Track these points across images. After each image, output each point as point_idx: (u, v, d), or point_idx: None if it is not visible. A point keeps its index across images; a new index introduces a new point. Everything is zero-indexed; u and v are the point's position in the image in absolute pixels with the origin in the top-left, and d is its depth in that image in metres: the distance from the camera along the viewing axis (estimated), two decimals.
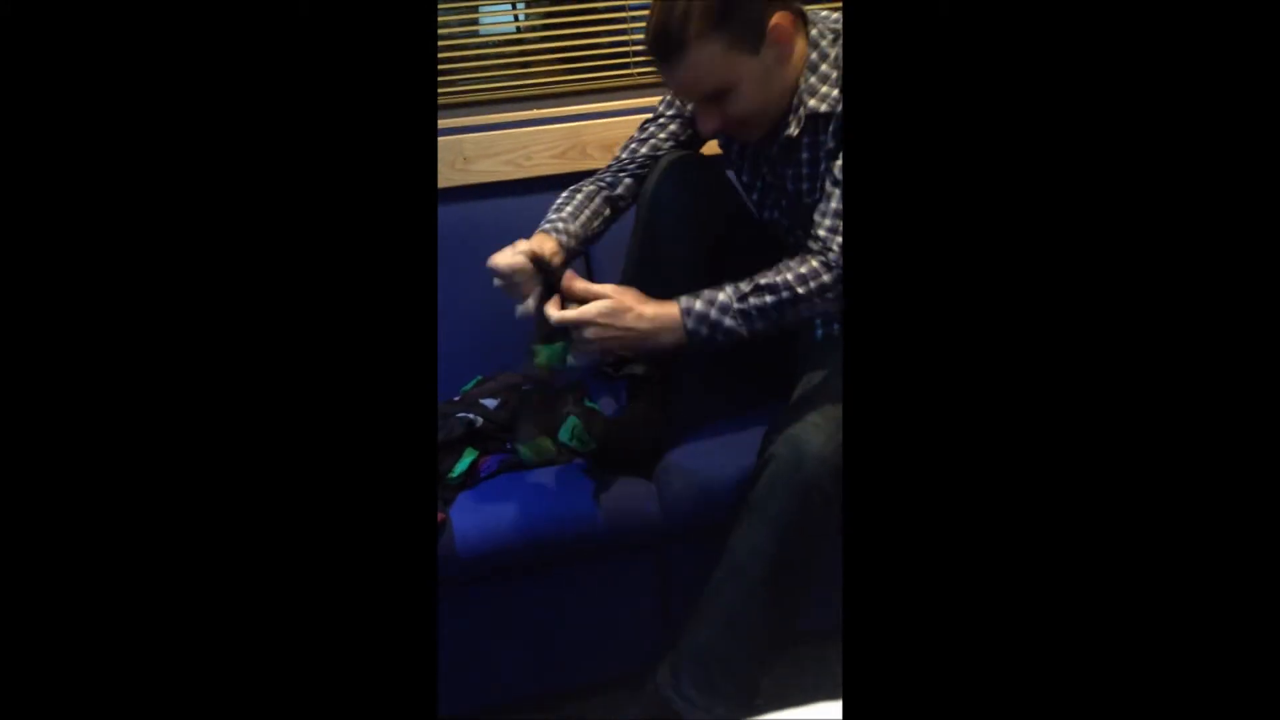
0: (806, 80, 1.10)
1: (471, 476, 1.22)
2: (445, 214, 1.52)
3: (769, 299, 1.03)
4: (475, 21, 1.66)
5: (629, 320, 1.03)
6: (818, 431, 1.01)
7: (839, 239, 1.04)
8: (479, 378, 1.48)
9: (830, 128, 1.10)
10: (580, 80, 1.65)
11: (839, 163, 1.07)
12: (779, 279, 1.03)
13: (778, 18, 1.04)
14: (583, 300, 1.03)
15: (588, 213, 1.23)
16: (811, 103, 1.10)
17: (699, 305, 1.03)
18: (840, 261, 1.03)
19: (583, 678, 1.29)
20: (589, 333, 1.02)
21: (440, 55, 1.61)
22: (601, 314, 1.02)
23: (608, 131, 1.59)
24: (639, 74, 1.65)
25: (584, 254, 1.55)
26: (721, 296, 1.04)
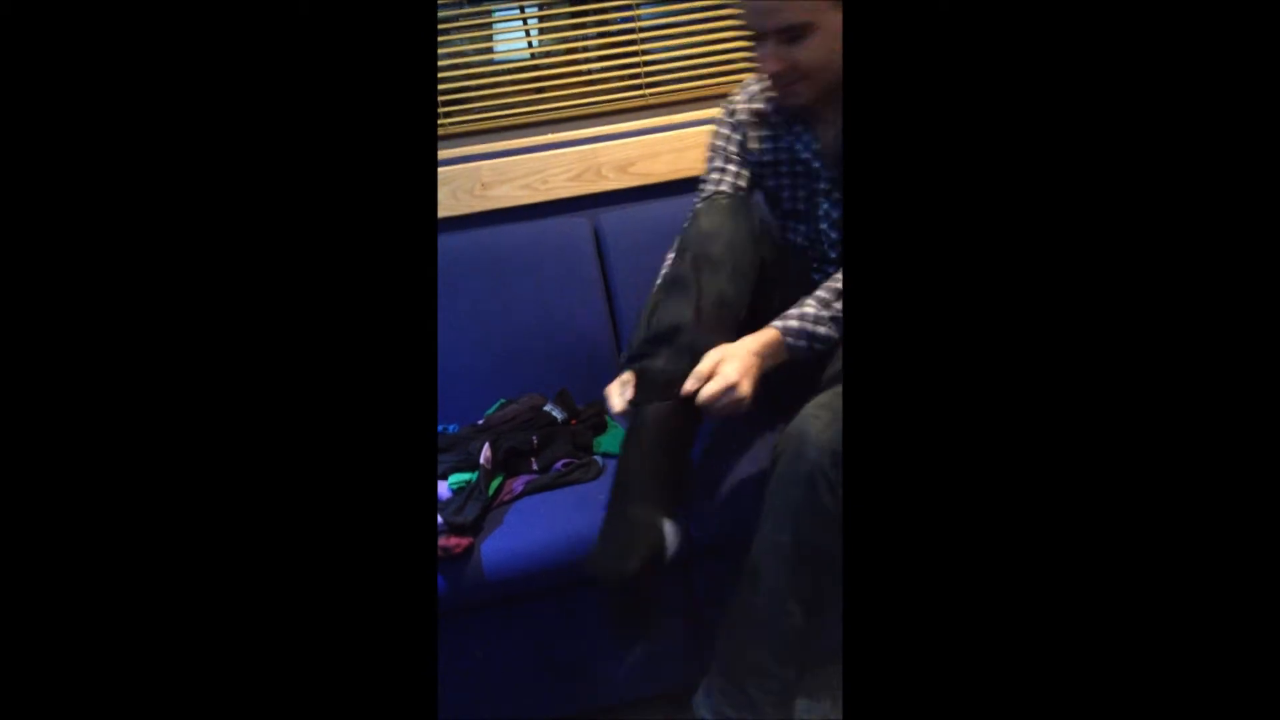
0: None
1: (497, 500, 1.23)
2: (464, 240, 1.54)
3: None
4: (490, 50, 1.68)
5: (749, 361, 1.04)
6: (815, 419, 1.01)
7: None
8: (502, 400, 1.49)
9: None
10: (594, 103, 1.67)
11: None
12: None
13: None
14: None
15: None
16: None
17: (794, 323, 1.07)
18: None
19: (612, 698, 1.29)
20: (742, 390, 1.02)
21: (455, 83, 1.63)
22: (735, 372, 1.02)
23: (623, 153, 1.60)
24: (653, 94, 1.67)
25: (604, 281, 1.56)
26: (810, 309, 1.08)
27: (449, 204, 1.57)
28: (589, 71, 1.68)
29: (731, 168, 1.25)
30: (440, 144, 1.60)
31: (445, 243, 1.51)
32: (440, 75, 1.62)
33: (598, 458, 1.33)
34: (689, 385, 1.03)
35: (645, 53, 1.66)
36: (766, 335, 1.07)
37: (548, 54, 1.70)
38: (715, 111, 1.68)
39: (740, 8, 1.06)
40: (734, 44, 1.66)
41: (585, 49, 1.68)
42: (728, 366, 1.02)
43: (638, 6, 1.65)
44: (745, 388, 1.02)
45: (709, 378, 1.02)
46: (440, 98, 1.62)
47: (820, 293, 1.09)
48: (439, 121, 1.63)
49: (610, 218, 1.58)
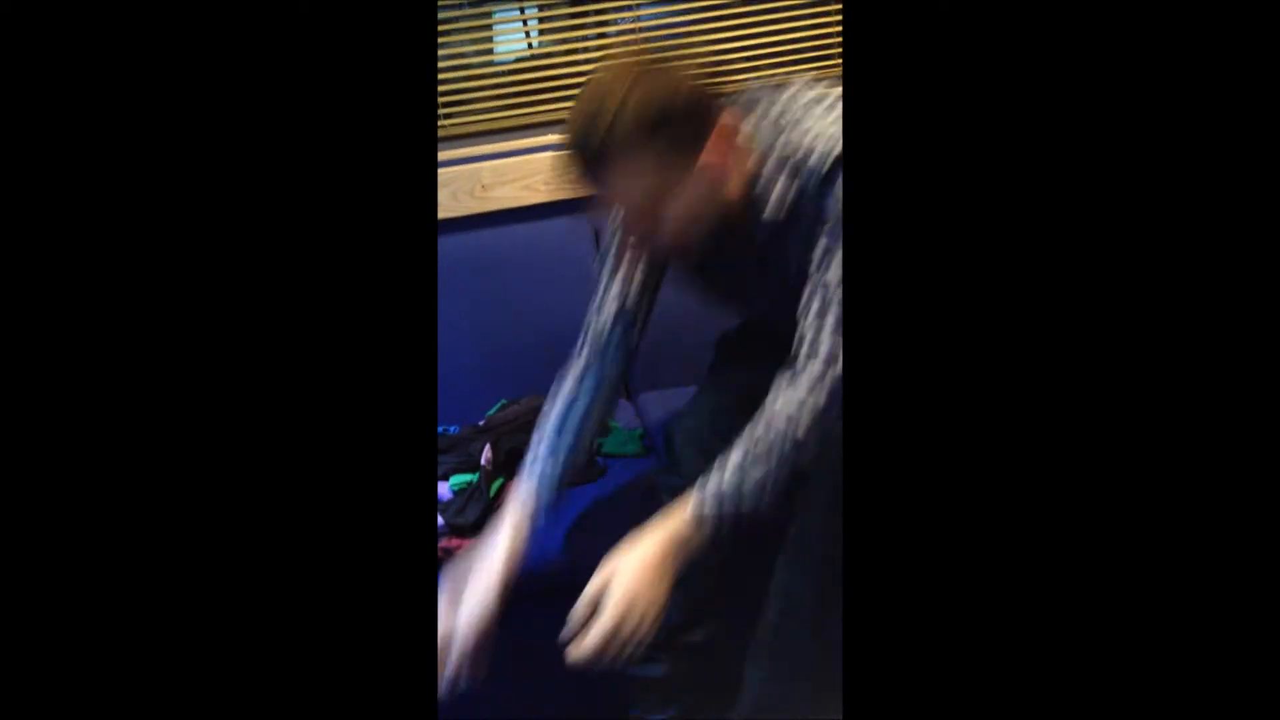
0: (759, 183, 0.92)
1: (498, 501, 1.23)
2: (465, 241, 1.53)
3: (769, 466, 0.87)
4: (490, 51, 1.68)
5: (634, 578, 0.86)
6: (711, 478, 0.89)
7: (831, 339, 0.87)
8: (503, 401, 1.49)
9: (806, 199, 0.89)
10: None
11: (822, 250, 0.88)
12: (774, 431, 0.87)
13: (720, 118, 0.88)
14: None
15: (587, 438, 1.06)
16: (767, 214, 0.92)
17: (711, 495, 0.87)
18: (837, 368, 0.87)
19: (616, 701, 1.28)
20: (640, 633, 0.86)
21: (455, 84, 1.63)
22: (623, 607, 0.85)
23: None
24: None
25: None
26: (725, 484, 0.87)
27: (449, 205, 1.56)
28: (590, 72, 1.68)
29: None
30: (440, 145, 1.60)
31: (446, 244, 1.51)
32: (440, 76, 1.61)
33: (599, 459, 1.33)
34: (570, 626, 0.85)
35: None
36: (672, 527, 0.87)
37: (548, 54, 1.70)
38: None
39: (586, 187, 0.91)
40: (734, 44, 1.66)
41: (586, 49, 1.68)
42: (616, 598, 0.84)
43: (638, 6, 1.65)
44: (645, 628, 0.84)
45: (592, 610, 0.85)
46: (440, 98, 1.62)
47: (734, 454, 0.88)
48: (439, 123, 1.63)
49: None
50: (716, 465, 0.88)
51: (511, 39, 1.72)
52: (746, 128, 0.92)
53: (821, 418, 0.87)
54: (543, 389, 1.50)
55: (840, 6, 1.65)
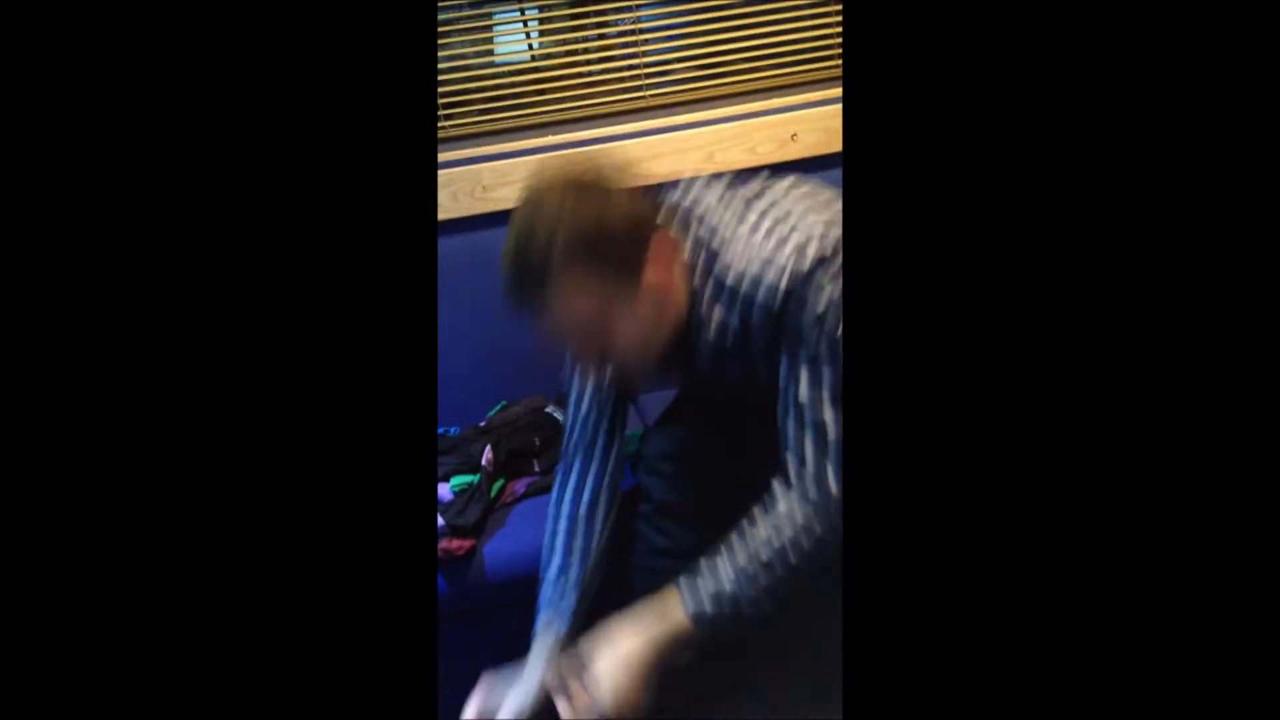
0: (702, 300, 0.89)
1: (499, 502, 1.23)
2: (465, 242, 1.54)
3: (777, 573, 0.86)
4: (490, 52, 1.68)
5: (637, 658, 0.85)
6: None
7: (828, 468, 0.85)
8: (503, 402, 1.49)
9: (755, 330, 0.86)
10: (595, 105, 1.67)
11: (785, 371, 0.86)
12: (779, 543, 0.86)
13: (657, 237, 0.86)
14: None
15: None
16: (712, 328, 0.90)
17: (707, 594, 0.86)
18: (833, 497, 0.85)
19: None
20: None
21: (456, 85, 1.63)
22: (615, 685, 0.84)
23: (623, 154, 1.60)
24: (653, 96, 1.67)
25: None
26: (724, 585, 0.86)
27: (450, 206, 1.57)
28: (590, 73, 1.68)
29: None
30: (441, 146, 1.60)
31: (447, 245, 1.51)
32: (441, 77, 1.61)
33: None
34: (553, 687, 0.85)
35: (646, 54, 1.66)
36: (668, 623, 0.85)
37: (548, 55, 1.70)
38: (717, 112, 1.69)
39: (527, 317, 0.87)
40: (735, 45, 1.66)
41: (586, 50, 1.68)
42: (600, 677, 0.83)
43: (638, 7, 1.65)
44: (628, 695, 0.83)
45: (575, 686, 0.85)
46: (441, 100, 1.62)
47: (741, 555, 0.86)
48: (440, 124, 1.63)
49: None
50: (715, 565, 0.86)
51: (512, 40, 1.72)
52: (684, 245, 0.89)
53: (819, 542, 0.85)
54: (543, 390, 1.51)
55: (840, 6, 1.65)
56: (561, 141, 1.62)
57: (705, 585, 0.85)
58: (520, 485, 1.26)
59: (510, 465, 1.29)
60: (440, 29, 1.60)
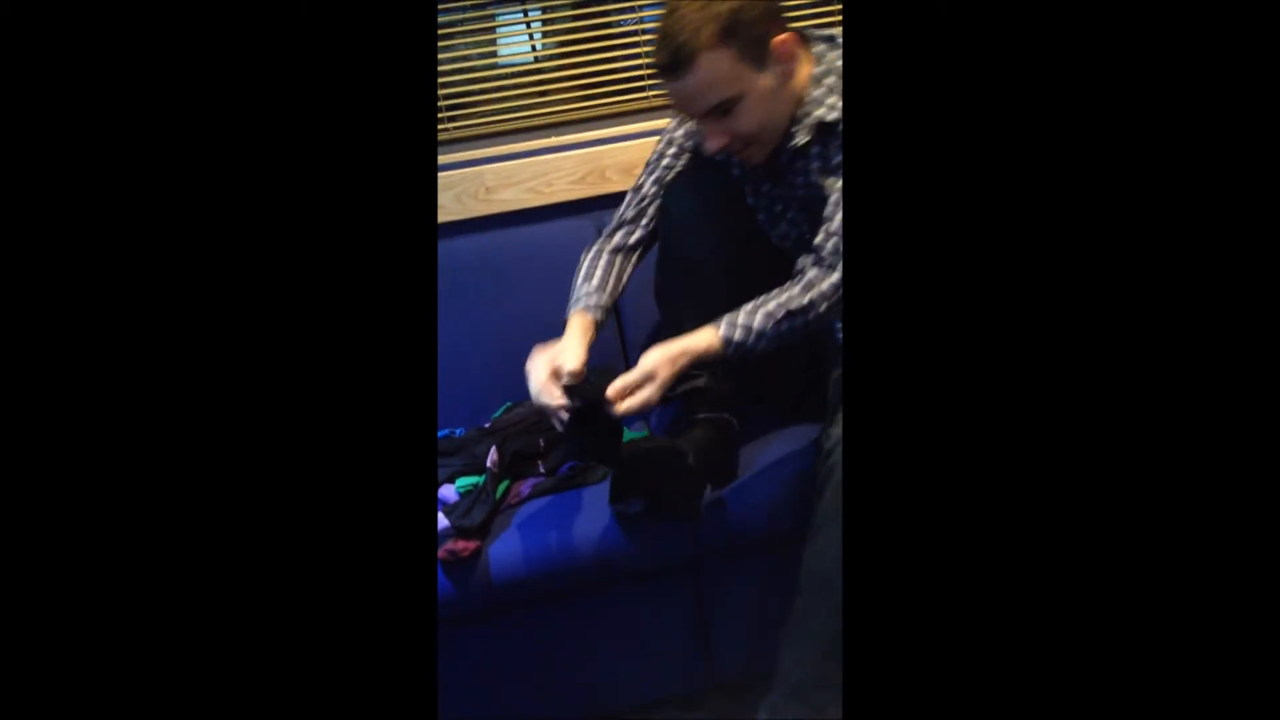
0: (811, 93, 1.14)
1: (504, 503, 1.23)
2: (469, 244, 1.54)
3: (797, 321, 1.08)
4: (494, 54, 1.68)
5: (676, 354, 1.07)
6: None
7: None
8: (508, 403, 1.49)
9: (838, 139, 1.13)
10: (598, 105, 1.67)
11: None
12: (805, 299, 1.09)
13: (782, 35, 1.09)
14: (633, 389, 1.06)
15: (613, 278, 1.28)
16: (819, 112, 1.13)
17: (736, 325, 1.08)
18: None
19: (621, 701, 1.29)
20: (660, 381, 1.05)
21: (459, 87, 1.64)
22: (656, 364, 1.05)
23: (626, 155, 1.60)
24: (655, 97, 1.67)
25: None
26: (754, 321, 1.08)
27: (453, 208, 1.57)
28: (592, 74, 1.68)
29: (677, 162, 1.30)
30: (444, 148, 1.61)
31: (449, 247, 1.51)
32: (443, 79, 1.62)
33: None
34: (615, 385, 1.04)
35: (647, 55, 1.66)
36: (702, 335, 1.08)
37: (551, 57, 1.70)
38: None
39: (671, 97, 1.12)
40: None
41: (589, 51, 1.68)
42: (648, 357, 1.05)
43: (641, 8, 1.65)
44: (663, 374, 1.05)
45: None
46: (444, 102, 1.62)
47: (770, 307, 1.09)
48: (443, 126, 1.63)
49: None
50: (751, 306, 1.08)
51: (515, 41, 1.72)
52: (808, 50, 1.15)
53: (834, 306, 1.08)
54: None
55: (840, 6, 1.65)
56: (565, 143, 1.62)
57: (740, 319, 1.08)
58: (526, 486, 1.26)
59: (515, 466, 1.29)
60: (443, 30, 1.60)
